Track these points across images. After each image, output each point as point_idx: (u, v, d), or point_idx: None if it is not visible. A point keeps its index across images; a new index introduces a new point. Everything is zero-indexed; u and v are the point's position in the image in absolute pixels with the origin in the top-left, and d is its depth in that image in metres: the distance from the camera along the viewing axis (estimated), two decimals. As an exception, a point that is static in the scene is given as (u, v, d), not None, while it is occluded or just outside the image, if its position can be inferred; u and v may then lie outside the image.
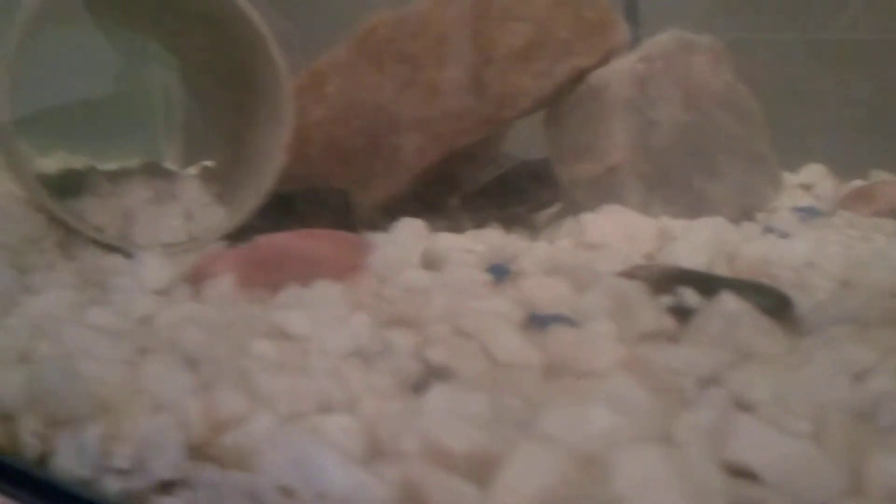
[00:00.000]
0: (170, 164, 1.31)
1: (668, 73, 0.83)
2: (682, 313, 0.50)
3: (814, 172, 1.08)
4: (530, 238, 0.83)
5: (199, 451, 0.38)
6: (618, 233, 0.67)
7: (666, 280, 0.53)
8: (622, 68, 0.82)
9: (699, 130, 0.83)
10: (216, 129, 0.85)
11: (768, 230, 0.72)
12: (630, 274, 0.56)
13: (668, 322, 0.48)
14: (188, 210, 0.69)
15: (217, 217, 0.69)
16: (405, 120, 0.85)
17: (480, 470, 0.32)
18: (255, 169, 0.71)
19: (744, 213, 0.84)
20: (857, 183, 1.04)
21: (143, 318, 0.53)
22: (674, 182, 0.81)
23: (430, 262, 0.69)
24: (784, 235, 0.69)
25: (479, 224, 0.92)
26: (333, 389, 0.39)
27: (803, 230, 0.75)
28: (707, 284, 0.52)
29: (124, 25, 0.95)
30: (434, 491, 0.31)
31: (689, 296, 0.51)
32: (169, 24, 0.79)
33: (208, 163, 1.23)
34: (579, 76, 0.84)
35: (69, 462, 0.40)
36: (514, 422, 0.35)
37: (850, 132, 1.16)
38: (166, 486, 0.38)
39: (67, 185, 0.75)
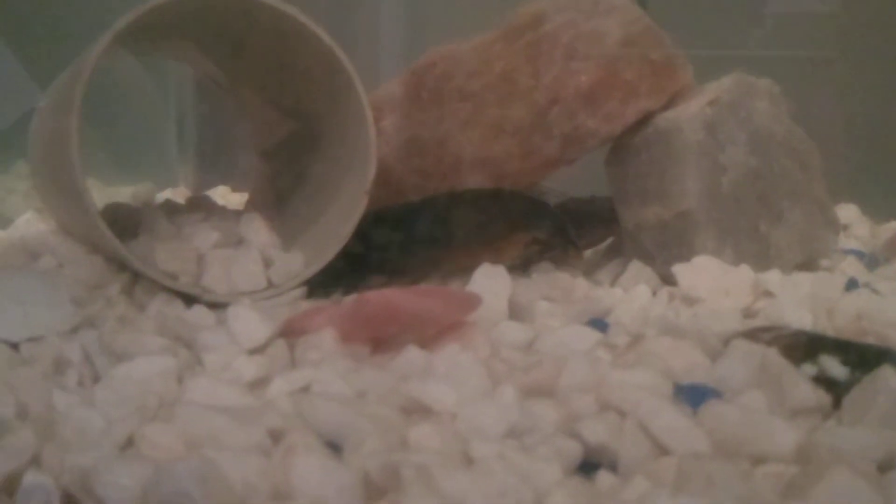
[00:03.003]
0: (184, 188, 1.26)
1: (733, 117, 0.82)
2: (829, 385, 0.48)
3: (848, 212, 1.08)
4: (590, 280, 0.81)
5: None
6: (712, 285, 0.66)
7: (798, 347, 0.52)
8: (692, 112, 0.80)
9: (764, 175, 0.82)
10: (269, 158, 0.81)
11: (853, 283, 0.71)
12: (753, 336, 0.54)
13: (823, 397, 0.47)
14: (265, 255, 0.65)
15: (296, 263, 0.65)
16: (467, 159, 0.82)
17: None
18: (334, 211, 0.67)
19: (808, 260, 0.83)
20: (894, 225, 1.05)
21: (253, 386, 0.49)
22: (742, 229, 0.80)
23: (518, 314, 0.67)
24: (874, 289, 0.69)
25: (526, 261, 0.90)
26: (521, 489, 0.36)
27: (879, 280, 0.74)
28: (848, 352, 0.50)
29: (160, 47, 0.91)
30: None
31: (833, 366, 0.49)
32: (224, 47, 0.75)
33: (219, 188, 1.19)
34: (646, 118, 0.82)
35: None
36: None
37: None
38: None
39: (119, 223, 0.70)
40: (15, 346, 0.53)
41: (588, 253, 0.94)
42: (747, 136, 0.82)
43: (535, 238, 0.80)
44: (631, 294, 0.70)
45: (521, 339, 0.58)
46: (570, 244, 0.82)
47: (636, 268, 0.79)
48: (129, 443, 0.43)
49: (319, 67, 0.68)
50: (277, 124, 0.77)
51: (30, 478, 0.40)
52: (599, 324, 0.61)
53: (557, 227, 0.80)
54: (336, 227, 0.66)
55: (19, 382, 0.48)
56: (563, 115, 0.81)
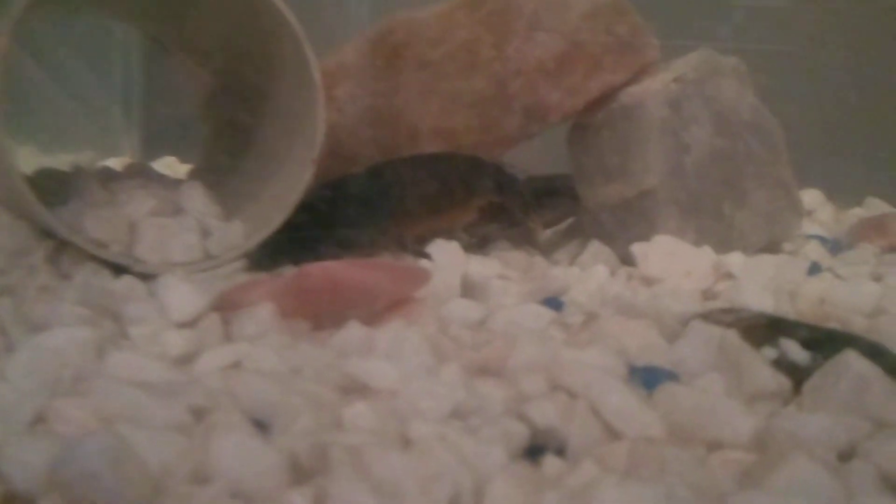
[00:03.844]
0: (128, 158, 1.20)
1: (699, 95, 0.79)
2: (789, 369, 0.46)
3: (812, 198, 1.07)
4: (548, 260, 0.79)
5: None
6: (673, 266, 0.63)
7: (759, 329, 0.49)
8: (656, 88, 0.78)
9: (728, 156, 0.80)
10: (215, 127, 0.76)
11: (816, 267, 0.69)
12: (712, 318, 0.52)
13: (783, 382, 0.44)
14: (203, 225, 0.61)
15: (236, 234, 0.61)
16: (425, 131, 0.79)
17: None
18: (279, 181, 0.63)
19: (771, 243, 0.81)
20: (858, 211, 1.04)
21: (180, 361, 0.46)
22: (705, 209, 0.78)
23: (471, 291, 0.64)
24: (836, 274, 0.67)
25: (482, 241, 0.87)
26: (460, 472, 0.33)
27: (842, 266, 0.73)
28: (810, 336, 0.48)
29: (101, 10, 0.85)
30: None
31: (794, 349, 0.47)
32: (170, 10, 0.70)
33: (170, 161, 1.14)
34: (609, 93, 0.79)
35: None
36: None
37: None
38: None
39: (50, 189, 0.65)
40: (-80, 315, 0.49)
41: (547, 233, 0.92)
42: (712, 115, 0.79)
43: (492, 202, 0.77)
44: (588, 273, 0.68)
45: (473, 317, 0.55)
46: (529, 210, 0.80)
47: (595, 248, 0.76)
48: (40, 419, 0.39)
49: (267, 31, 0.64)
50: (222, 91, 0.73)
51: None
52: (554, 302, 0.59)
53: (514, 191, 0.77)
54: (280, 198, 0.63)
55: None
56: (524, 88, 0.78)
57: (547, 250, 0.83)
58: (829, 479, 0.33)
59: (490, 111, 0.78)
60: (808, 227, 0.97)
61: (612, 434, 0.40)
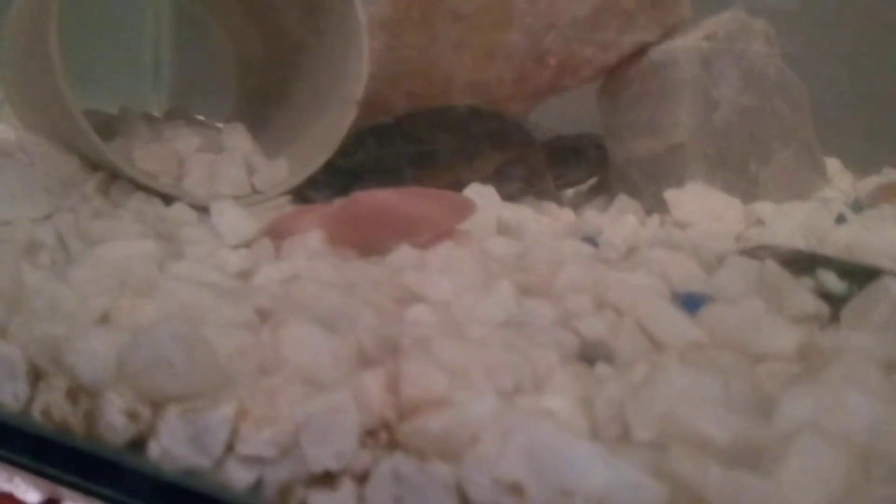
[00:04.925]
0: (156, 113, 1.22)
1: (729, 54, 0.81)
2: (826, 299, 0.48)
3: (831, 166, 1.08)
4: (578, 214, 0.80)
5: (375, 437, 0.32)
6: (705, 212, 0.65)
7: (798, 262, 0.51)
8: (688, 45, 0.79)
9: (755, 114, 0.82)
10: (252, 79, 0.78)
11: (842, 218, 0.71)
12: (752, 254, 0.53)
13: (822, 307, 0.46)
14: (249, 162, 0.63)
15: (280, 171, 0.63)
16: (458, 83, 0.80)
17: (748, 462, 0.28)
18: (321, 124, 0.65)
19: (793, 201, 0.82)
20: (876, 179, 1.05)
21: (239, 275, 0.47)
22: (731, 165, 0.79)
23: (507, 231, 0.65)
24: (863, 223, 0.68)
25: (509, 197, 0.88)
26: (520, 364, 0.35)
27: (866, 220, 0.74)
28: (845, 269, 0.50)
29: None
30: (714, 486, 0.27)
31: (831, 279, 0.49)
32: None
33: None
34: (641, 50, 0.80)
35: (178, 447, 0.33)
36: (756, 408, 0.32)
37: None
38: (323, 479, 0.33)
39: (96, 128, 0.67)
40: (-17, 230, 0.51)
41: (570, 192, 0.93)
42: (741, 74, 0.81)
43: (508, 158, 0.79)
44: (619, 221, 0.69)
45: (513, 251, 0.57)
46: (542, 171, 0.81)
47: (623, 201, 0.77)
48: (105, 318, 0.40)
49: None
50: (259, 40, 0.75)
51: (-6, 349, 0.38)
52: (591, 241, 0.60)
53: (530, 149, 0.78)
54: (323, 139, 0.64)
55: (-15, 260, 0.45)
56: (558, 42, 0.79)
57: (573, 206, 0.84)
58: (880, 377, 0.34)
59: (523, 64, 0.79)
60: (829, 191, 0.99)
61: (659, 346, 0.41)
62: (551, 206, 0.77)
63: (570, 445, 0.28)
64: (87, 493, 0.36)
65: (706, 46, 0.79)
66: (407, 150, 0.73)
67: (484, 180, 0.85)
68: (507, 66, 0.79)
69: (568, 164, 0.92)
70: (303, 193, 0.64)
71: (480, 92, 0.80)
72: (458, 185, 0.73)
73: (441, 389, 0.32)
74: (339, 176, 0.66)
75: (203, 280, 0.44)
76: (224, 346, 0.36)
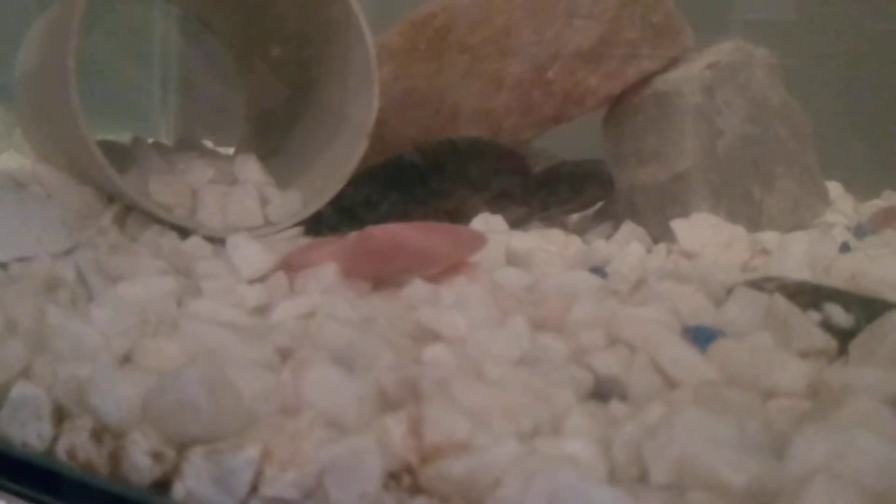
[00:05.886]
0: (165, 141, 1.23)
1: (732, 82, 0.82)
2: (833, 332, 0.48)
3: (833, 190, 1.09)
4: (583, 240, 0.81)
5: (398, 480, 0.33)
6: (711, 241, 0.66)
7: (804, 294, 0.52)
8: (692, 74, 0.80)
9: (759, 142, 0.83)
10: (260, 106, 0.79)
11: (846, 247, 0.72)
12: (758, 286, 0.54)
13: (830, 341, 0.47)
14: (262, 193, 0.64)
15: (294, 202, 0.64)
16: (466, 112, 0.81)
17: None
18: (331, 155, 0.66)
19: (796, 227, 0.83)
20: (877, 202, 1.06)
21: (257, 311, 0.48)
22: (736, 192, 0.80)
23: (516, 262, 0.66)
24: (867, 251, 0.69)
25: (515, 223, 0.89)
26: (538, 405, 0.36)
27: (868, 248, 0.75)
28: (852, 302, 0.50)
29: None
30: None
31: (838, 313, 0.49)
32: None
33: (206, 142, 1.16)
34: (645, 79, 0.82)
35: (203, 488, 0.34)
36: (770, 448, 0.32)
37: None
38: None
39: (109, 159, 0.68)
40: (3, 266, 0.51)
41: (576, 217, 0.94)
42: (744, 102, 0.82)
43: (503, 190, 0.80)
44: (626, 249, 0.70)
45: (523, 283, 0.58)
46: (533, 201, 0.83)
47: (629, 228, 0.78)
48: (128, 358, 0.41)
49: (320, 6, 0.66)
50: (270, 75, 0.76)
51: (19, 389, 0.38)
52: (599, 272, 0.61)
53: (523, 181, 0.80)
54: (334, 169, 0.65)
55: (7, 298, 0.46)
56: (563, 72, 0.80)
57: (578, 231, 0.85)
58: (890, 416, 0.35)
59: (530, 94, 0.81)
60: (830, 216, 1.00)
61: (672, 383, 0.42)
62: (558, 234, 0.78)
63: (591, 490, 0.29)
64: (111, 531, 0.36)
65: (709, 75, 0.80)
66: (409, 185, 0.74)
67: (487, 207, 0.87)
68: (514, 95, 0.81)
69: (573, 189, 0.93)
70: (310, 225, 0.65)
71: (487, 121, 0.81)
72: (459, 215, 0.75)
73: (463, 433, 0.32)
74: (343, 211, 0.67)
75: (222, 318, 0.45)
76: (247, 388, 0.37)
